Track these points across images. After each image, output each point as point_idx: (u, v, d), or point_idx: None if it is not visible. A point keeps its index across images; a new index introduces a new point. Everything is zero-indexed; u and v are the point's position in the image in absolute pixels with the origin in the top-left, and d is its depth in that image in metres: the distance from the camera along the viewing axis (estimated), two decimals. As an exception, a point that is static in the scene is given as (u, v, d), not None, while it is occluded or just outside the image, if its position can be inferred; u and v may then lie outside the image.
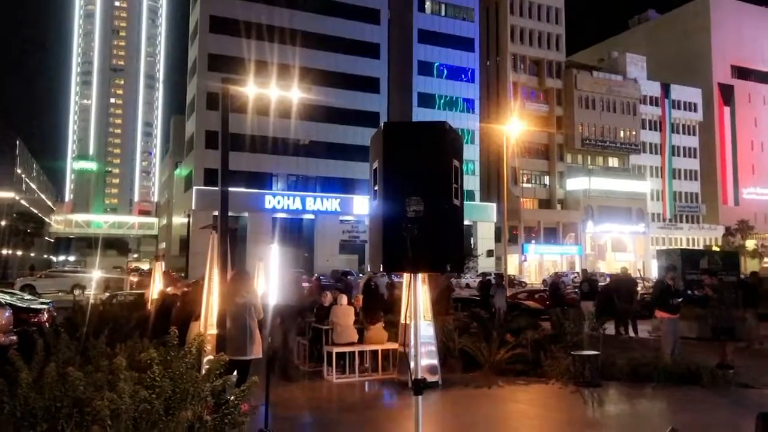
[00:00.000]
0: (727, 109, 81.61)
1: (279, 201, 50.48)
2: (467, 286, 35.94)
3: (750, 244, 72.04)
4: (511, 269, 53.61)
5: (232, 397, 3.67)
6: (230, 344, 5.89)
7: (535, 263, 63.08)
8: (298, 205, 51.12)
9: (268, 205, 49.67)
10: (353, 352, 9.43)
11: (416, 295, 3.44)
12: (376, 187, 3.28)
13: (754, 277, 14.56)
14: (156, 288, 13.58)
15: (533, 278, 53.72)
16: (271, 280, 6.34)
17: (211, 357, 4.70)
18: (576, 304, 16.79)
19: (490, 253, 56.90)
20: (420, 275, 9.66)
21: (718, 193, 79.03)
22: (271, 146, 49.91)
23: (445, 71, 61.38)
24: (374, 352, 9.63)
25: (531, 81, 68.23)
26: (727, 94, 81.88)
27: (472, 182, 61.26)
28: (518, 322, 11.48)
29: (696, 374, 8.85)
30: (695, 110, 78.55)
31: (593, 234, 66.82)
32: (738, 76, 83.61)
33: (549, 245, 64.38)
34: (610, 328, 13.13)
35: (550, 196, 68.14)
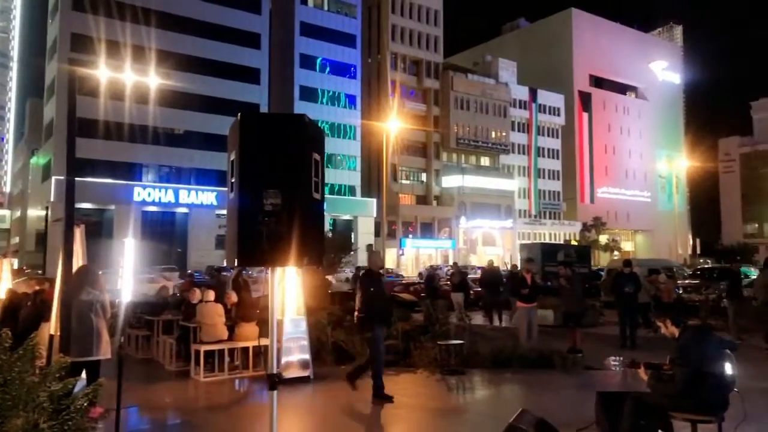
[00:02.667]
0: (585, 115, 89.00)
1: (149, 193, 47.81)
2: (347, 280, 36.17)
3: (602, 238, 79.13)
4: (390, 263, 54.83)
5: (77, 402, 3.42)
6: (75, 345, 5.49)
7: (412, 257, 65.01)
8: (170, 197, 48.72)
9: (137, 198, 46.85)
10: (222, 350, 9.19)
11: (273, 290, 3.42)
12: (233, 179, 3.22)
13: (736, 267, 14.17)
14: (3, 286, 12.38)
15: (410, 271, 55.29)
16: (126, 276, 5.98)
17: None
18: (449, 295, 17.54)
19: (369, 248, 57.68)
20: (295, 270, 9.47)
21: (576, 191, 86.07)
22: (143, 135, 47.09)
23: (328, 66, 61.35)
24: (245, 349, 9.44)
25: (410, 80, 70.02)
26: (586, 101, 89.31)
27: (353, 178, 61.88)
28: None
29: (549, 359, 9.58)
30: (558, 114, 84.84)
31: (466, 229, 70.09)
32: (595, 85, 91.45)
33: (425, 239, 66.68)
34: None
35: (426, 192, 70.47)
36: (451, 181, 70.45)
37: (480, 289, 19.47)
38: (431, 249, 67.66)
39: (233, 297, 10.44)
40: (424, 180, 70.82)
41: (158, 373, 9.61)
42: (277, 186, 3.10)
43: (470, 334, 10.90)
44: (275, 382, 3.30)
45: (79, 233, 6.51)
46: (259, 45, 55.69)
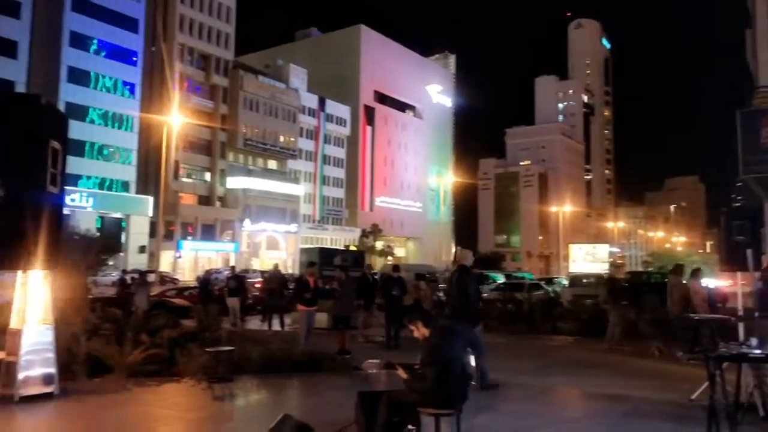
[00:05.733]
0: (369, 128, 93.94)
1: None
2: (113, 284, 33.16)
3: (379, 244, 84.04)
4: (165, 266, 51.61)
5: None
6: None
7: (191, 260, 62.03)
8: None
9: None
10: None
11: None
12: (-59, 165, 2.70)
13: (618, 271, 14.55)
14: None
15: (188, 275, 52.63)
16: None
17: None
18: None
19: (142, 249, 53.84)
20: (43, 271, 8.36)
21: (357, 199, 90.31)
22: None
23: (105, 49, 55.82)
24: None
25: (198, 75, 67.06)
26: (370, 114, 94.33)
27: (128, 172, 57.02)
28: (157, 321, 11.03)
29: (319, 361, 9.80)
30: (345, 125, 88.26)
31: (250, 232, 69.07)
32: (379, 101, 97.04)
33: (206, 242, 64.16)
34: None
35: (210, 192, 67.93)
36: (236, 182, 68.86)
37: (260, 293, 19.31)
38: (212, 252, 65.29)
39: (-40, 304, 8.84)
40: (208, 179, 68.18)
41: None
42: (1, 176, 2.67)
43: (243, 340, 10.69)
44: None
45: None
46: (19, 14, 48.62)
